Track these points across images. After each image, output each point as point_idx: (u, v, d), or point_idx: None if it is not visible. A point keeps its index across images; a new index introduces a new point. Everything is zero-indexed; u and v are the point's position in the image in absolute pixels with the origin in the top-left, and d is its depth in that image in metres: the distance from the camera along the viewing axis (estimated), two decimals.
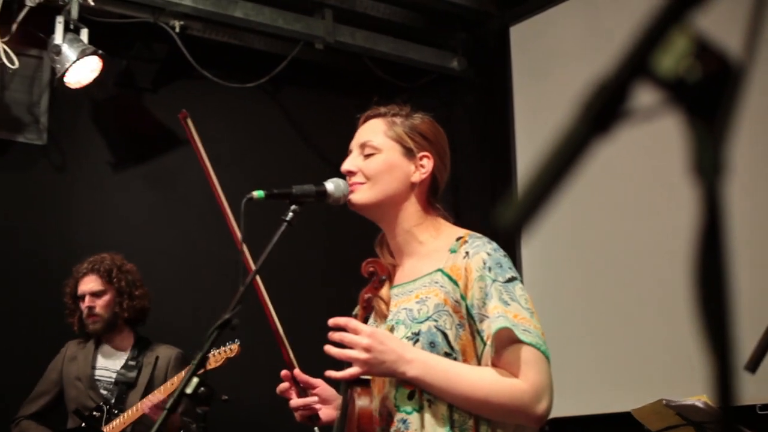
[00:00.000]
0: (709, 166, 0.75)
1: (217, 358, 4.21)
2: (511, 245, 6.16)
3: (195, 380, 2.29)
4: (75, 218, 5.87)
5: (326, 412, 2.58)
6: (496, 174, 6.77)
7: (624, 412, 4.02)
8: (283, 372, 2.56)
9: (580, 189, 5.64)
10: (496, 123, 6.78)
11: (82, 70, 5.40)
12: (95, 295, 4.67)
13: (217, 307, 2.34)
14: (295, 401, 2.56)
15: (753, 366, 1.92)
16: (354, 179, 2.51)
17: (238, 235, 2.67)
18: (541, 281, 6.04)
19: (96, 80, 5.52)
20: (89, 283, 4.68)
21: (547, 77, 6.34)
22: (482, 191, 6.70)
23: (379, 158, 2.50)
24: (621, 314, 5.52)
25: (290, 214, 2.48)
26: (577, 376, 5.52)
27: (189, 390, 2.27)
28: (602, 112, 0.73)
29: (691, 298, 0.74)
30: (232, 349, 4.23)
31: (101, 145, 6.04)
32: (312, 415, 2.57)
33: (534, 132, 6.37)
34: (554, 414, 5.66)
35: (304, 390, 2.58)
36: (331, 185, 2.52)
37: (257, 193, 2.47)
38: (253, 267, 2.57)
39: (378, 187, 2.48)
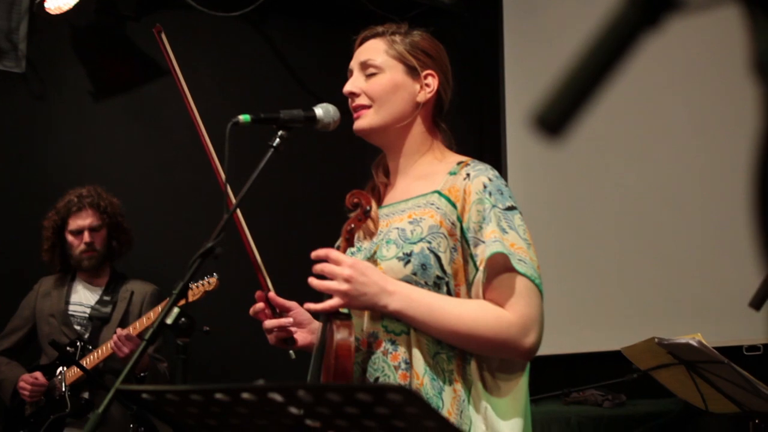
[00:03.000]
0: None
1: (195, 291, 4.13)
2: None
3: (175, 311, 2.21)
4: (54, 148, 5.76)
5: (302, 336, 2.50)
6: (485, 109, 6.69)
7: (614, 350, 3.98)
8: (258, 293, 2.49)
9: (575, 127, 5.60)
10: (486, 58, 6.69)
11: None
12: (94, 229, 4.58)
13: (199, 240, 2.25)
14: (269, 322, 2.46)
15: (758, 303, 1.83)
16: (358, 101, 2.44)
17: (217, 163, 2.59)
18: (532, 218, 5.98)
19: (76, 6, 5.38)
20: (87, 218, 4.57)
21: (537, 12, 6.24)
22: (471, 127, 6.62)
23: (383, 78, 2.42)
24: (613, 252, 5.47)
25: (277, 139, 2.40)
26: (567, 314, 5.48)
27: (169, 321, 2.20)
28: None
29: (752, 209, 0.65)
30: (210, 282, 4.15)
31: (81, 74, 5.90)
32: (287, 338, 2.49)
33: (524, 67, 6.27)
34: (545, 352, 5.67)
35: (278, 313, 2.49)
36: (320, 110, 2.47)
37: (243, 117, 2.40)
38: (234, 198, 2.48)
39: (384, 109, 2.41)
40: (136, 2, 6.09)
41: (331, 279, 2.19)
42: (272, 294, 2.50)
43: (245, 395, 1.49)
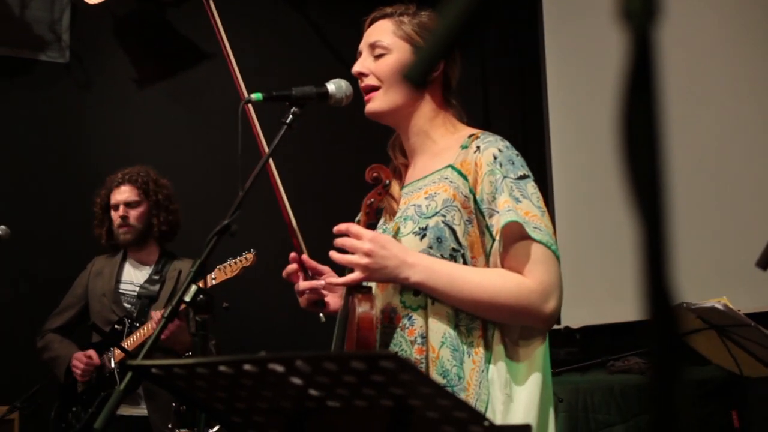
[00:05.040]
0: (639, 10, 0.66)
1: (233, 267, 4.18)
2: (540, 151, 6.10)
3: (193, 288, 2.25)
4: (99, 135, 5.85)
5: (333, 300, 2.54)
6: (525, 79, 6.67)
7: (642, 320, 3.95)
8: (292, 255, 2.52)
9: (599, 100, 5.60)
10: (523, 25, 6.66)
11: None
12: (129, 205, 4.64)
13: (246, 218, 2.30)
14: (302, 284, 2.50)
15: (765, 263, 1.83)
16: (366, 81, 2.46)
17: (262, 141, 2.63)
18: (572, 192, 5.96)
19: None
20: (124, 193, 4.64)
21: None
22: (511, 99, 6.61)
23: (391, 59, 2.44)
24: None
25: (290, 116, 2.42)
26: (612, 285, 5.46)
27: (187, 298, 2.24)
28: None
29: (618, 157, 0.66)
30: (247, 258, 4.19)
31: (124, 61, 5.98)
32: (318, 301, 2.53)
33: (563, 35, 6.23)
34: (591, 322, 5.61)
35: (311, 276, 2.53)
36: (332, 86, 2.49)
37: (255, 96, 2.44)
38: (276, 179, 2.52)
39: (392, 90, 2.43)
40: None
41: (352, 253, 2.22)
42: (305, 257, 2.53)
43: (247, 367, 1.52)
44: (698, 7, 5.28)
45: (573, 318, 5.40)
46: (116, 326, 4.51)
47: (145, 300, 4.60)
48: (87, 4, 5.48)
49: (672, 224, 0.65)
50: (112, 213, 4.67)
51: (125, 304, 4.61)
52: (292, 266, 2.53)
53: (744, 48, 5.12)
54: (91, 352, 4.52)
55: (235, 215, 2.30)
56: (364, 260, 2.20)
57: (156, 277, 4.66)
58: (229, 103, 2.77)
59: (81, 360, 4.49)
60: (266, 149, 2.53)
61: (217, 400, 1.67)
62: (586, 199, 5.91)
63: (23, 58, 5.68)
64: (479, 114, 6.32)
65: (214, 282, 4.22)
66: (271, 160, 2.54)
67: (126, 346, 4.35)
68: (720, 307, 3.19)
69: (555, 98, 6.39)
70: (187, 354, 4.40)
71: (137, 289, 4.64)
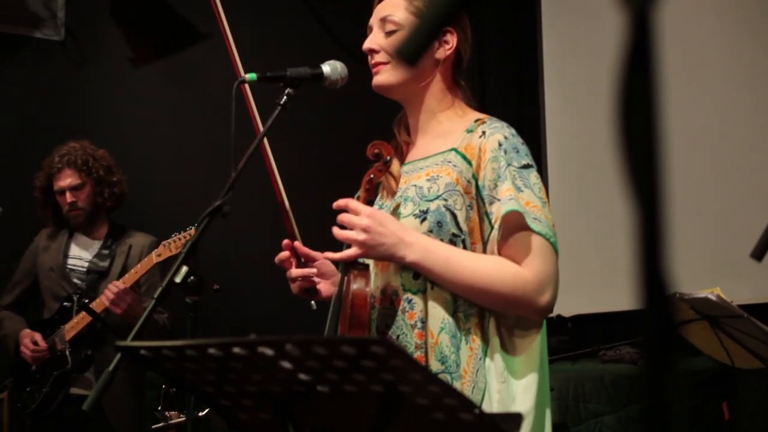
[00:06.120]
0: None
1: (177, 243, 4.16)
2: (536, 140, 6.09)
3: (184, 269, 2.23)
4: (94, 115, 5.82)
5: (325, 287, 2.52)
6: (523, 67, 6.66)
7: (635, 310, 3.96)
8: (285, 241, 2.51)
9: (595, 85, 5.59)
10: (521, 10, 6.64)
11: None
12: (75, 189, 4.59)
13: (237, 200, 2.28)
14: (294, 271, 2.49)
15: (759, 254, 1.82)
16: (377, 58, 2.43)
17: (258, 123, 2.62)
18: (566, 179, 5.95)
19: None
20: (67, 178, 4.57)
21: None
22: (507, 82, 6.59)
23: (402, 35, 2.41)
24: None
25: (284, 97, 2.42)
26: (603, 273, 5.46)
27: (178, 279, 2.22)
28: None
29: (614, 137, 0.65)
30: (191, 234, 4.15)
31: (120, 40, 5.94)
32: (310, 288, 2.52)
33: (561, 24, 6.22)
34: (583, 311, 5.60)
35: (303, 262, 2.52)
36: (327, 68, 2.48)
37: (250, 76, 2.44)
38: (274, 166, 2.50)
39: (402, 66, 2.40)
40: None
41: (350, 229, 2.21)
42: (298, 243, 2.52)
43: (237, 350, 1.51)
44: None
45: (565, 306, 5.40)
46: (65, 303, 4.50)
47: (95, 275, 4.55)
48: None
49: (669, 211, 0.64)
50: (58, 197, 4.61)
51: (75, 280, 4.58)
52: (285, 253, 2.52)
53: (742, 35, 5.11)
54: (37, 336, 4.49)
55: (227, 196, 2.28)
56: (362, 236, 2.19)
57: (105, 252, 4.61)
58: (225, 83, 2.74)
59: (28, 346, 4.47)
60: (261, 130, 2.52)
61: (206, 383, 1.66)
62: (579, 186, 5.90)
63: (18, 35, 5.64)
64: (475, 100, 6.30)
65: (159, 258, 4.21)
66: (266, 142, 2.53)
67: (76, 323, 4.37)
68: (713, 297, 3.18)
69: (551, 83, 6.38)
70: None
71: (86, 264, 4.61)
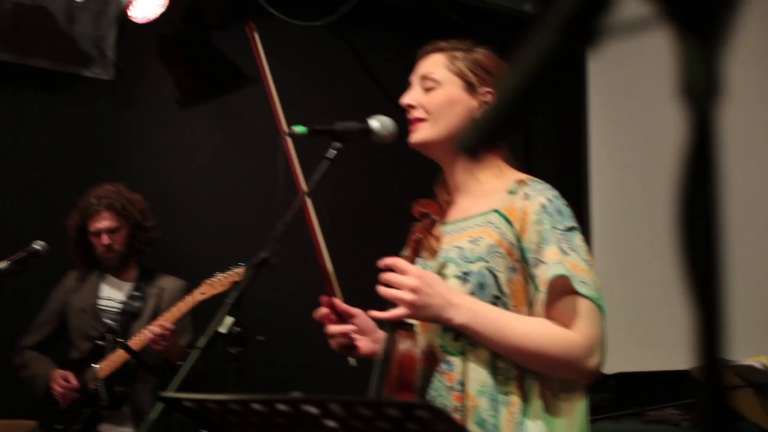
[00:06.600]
0: (700, 87, 0.65)
1: (223, 282, 4.22)
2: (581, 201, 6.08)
3: (229, 319, 2.24)
4: (141, 154, 5.88)
5: (364, 344, 2.51)
6: (568, 125, 6.64)
7: (682, 370, 3.92)
8: (323, 297, 2.52)
9: (641, 154, 5.58)
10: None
11: (148, 4, 5.39)
12: (112, 231, 4.66)
13: (284, 248, 2.30)
14: (333, 327, 2.49)
15: None
16: (414, 113, 2.44)
17: (297, 170, 2.63)
18: (611, 236, 5.92)
19: (163, 15, 5.49)
20: (104, 221, 4.64)
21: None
22: (554, 140, 6.58)
23: (440, 92, 2.42)
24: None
25: (332, 151, 2.42)
26: (648, 331, 5.41)
27: (223, 330, 2.23)
28: (578, 21, 0.64)
29: (675, 236, 0.65)
30: (238, 272, 4.21)
31: (167, 81, 6.01)
32: (348, 345, 2.51)
33: (608, 76, 6.21)
34: (624, 369, 5.54)
35: (342, 318, 2.51)
36: (375, 122, 2.48)
37: (299, 129, 2.44)
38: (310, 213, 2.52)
39: (440, 123, 2.41)
40: (221, 11, 6.17)
41: (398, 288, 2.20)
42: (337, 300, 2.52)
43: (281, 407, 1.52)
44: None
45: (607, 364, 5.30)
46: (98, 342, 4.53)
47: (128, 316, 4.63)
48: (133, 21, 5.53)
49: (728, 310, 0.64)
50: (93, 239, 4.69)
51: (106, 320, 4.63)
52: (323, 309, 2.51)
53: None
54: (69, 375, 4.53)
55: (273, 248, 2.29)
56: (410, 296, 2.18)
57: (138, 293, 4.70)
58: (270, 128, 2.76)
59: (60, 384, 4.52)
60: (303, 185, 2.53)
61: None
62: (624, 245, 5.86)
63: (68, 73, 5.72)
64: (520, 161, 6.29)
65: (202, 297, 4.26)
66: (308, 201, 2.53)
67: (111, 361, 4.43)
68: (758, 365, 3.15)
69: (598, 147, 6.36)
70: (178, 363, 4.40)
71: (118, 305, 4.67)
